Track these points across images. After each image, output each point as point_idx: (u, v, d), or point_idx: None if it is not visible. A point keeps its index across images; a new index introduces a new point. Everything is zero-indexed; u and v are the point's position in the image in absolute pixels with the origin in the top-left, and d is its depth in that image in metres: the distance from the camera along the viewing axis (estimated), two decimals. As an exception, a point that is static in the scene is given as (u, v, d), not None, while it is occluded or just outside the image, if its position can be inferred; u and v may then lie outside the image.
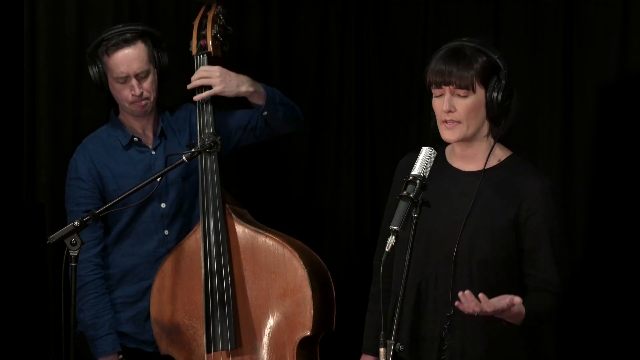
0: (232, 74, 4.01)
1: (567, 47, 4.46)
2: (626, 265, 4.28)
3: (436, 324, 3.36)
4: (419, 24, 4.80)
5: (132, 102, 3.97)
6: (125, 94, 3.96)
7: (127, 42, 3.95)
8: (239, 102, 4.11)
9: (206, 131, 3.97)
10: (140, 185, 3.72)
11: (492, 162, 3.41)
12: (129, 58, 3.94)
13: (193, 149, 3.80)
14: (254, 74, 4.06)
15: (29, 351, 4.11)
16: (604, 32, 4.37)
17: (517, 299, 3.12)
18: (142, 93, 3.96)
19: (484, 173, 3.38)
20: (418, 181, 3.13)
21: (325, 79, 4.87)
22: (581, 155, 4.42)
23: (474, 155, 3.42)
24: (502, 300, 3.11)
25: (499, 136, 3.40)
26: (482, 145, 3.41)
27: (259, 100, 4.04)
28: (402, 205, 3.12)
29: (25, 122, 4.37)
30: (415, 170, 3.15)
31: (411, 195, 3.11)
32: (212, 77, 3.99)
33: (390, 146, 4.86)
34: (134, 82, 3.94)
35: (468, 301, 3.10)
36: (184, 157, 3.73)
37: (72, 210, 3.95)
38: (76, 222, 3.50)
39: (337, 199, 4.88)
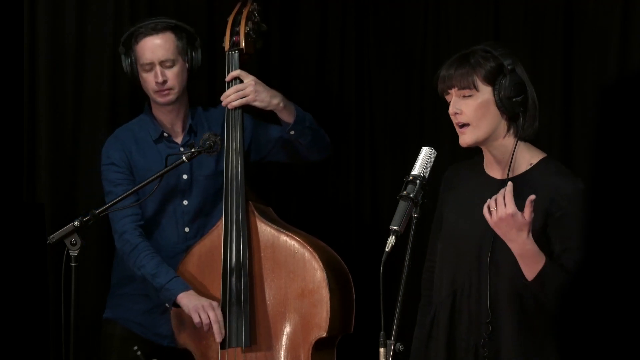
0: (265, 86, 4.00)
1: (567, 47, 4.46)
2: (626, 265, 4.27)
3: (470, 333, 3.35)
4: (419, 23, 4.80)
5: (156, 91, 3.99)
6: (150, 81, 3.99)
7: (156, 31, 4.00)
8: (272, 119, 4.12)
9: (234, 135, 3.97)
10: (142, 184, 3.77)
11: (524, 167, 3.36)
12: (154, 45, 3.98)
13: (193, 149, 3.81)
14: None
15: (29, 351, 4.11)
16: (604, 32, 4.37)
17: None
18: (165, 81, 3.98)
19: (513, 179, 3.29)
20: (418, 181, 3.13)
21: (325, 78, 4.87)
22: (581, 155, 4.41)
23: (501, 160, 3.37)
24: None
25: (521, 135, 3.32)
26: (506, 147, 3.35)
27: (288, 118, 4.02)
28: (402, 206, 3.12)
29: (25, 122, 4.37)
30: (415, 170, 3.15)
31: (411, 196, 3.11)
32: (247, 93, 3.96)
33: (390, 146, 4.86)
34: (157, 69, 3.98)
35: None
36: (184, 157, 3.76)
37: (110, 190, 4.00)
38: (76, 222, 3.50)
39: (337, 199, 4.87)
